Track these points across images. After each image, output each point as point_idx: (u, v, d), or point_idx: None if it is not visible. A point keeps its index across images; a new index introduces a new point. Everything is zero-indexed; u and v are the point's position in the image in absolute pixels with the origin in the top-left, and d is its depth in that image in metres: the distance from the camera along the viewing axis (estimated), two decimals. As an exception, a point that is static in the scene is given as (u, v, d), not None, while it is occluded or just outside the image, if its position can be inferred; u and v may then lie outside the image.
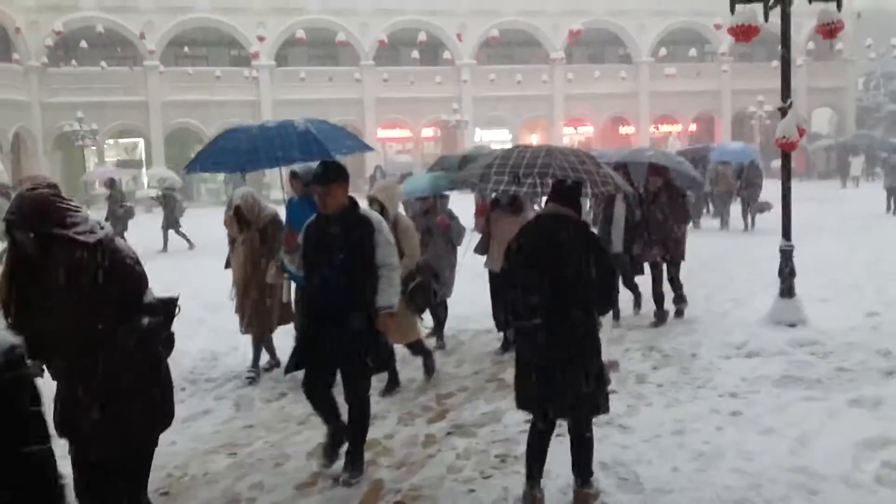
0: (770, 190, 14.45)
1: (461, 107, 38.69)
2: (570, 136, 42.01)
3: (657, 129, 42.31)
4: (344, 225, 4.31)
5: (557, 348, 3.82)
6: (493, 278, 7.08)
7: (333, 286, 4.26)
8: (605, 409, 4.01)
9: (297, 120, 6.34)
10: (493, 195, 6.87)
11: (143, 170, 36.86)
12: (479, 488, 4.25)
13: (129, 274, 2.93)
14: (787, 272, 7.63)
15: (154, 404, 3.03)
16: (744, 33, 6.92)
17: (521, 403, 4.07)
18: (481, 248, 7.33)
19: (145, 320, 2.94)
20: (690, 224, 10.11)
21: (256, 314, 6.56)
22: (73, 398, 2.84)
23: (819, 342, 6.95)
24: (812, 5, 7.34)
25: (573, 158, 4.54)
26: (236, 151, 6.36)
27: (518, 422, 5.22)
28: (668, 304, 8.32)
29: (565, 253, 3.87)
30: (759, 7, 7.25)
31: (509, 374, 6.34)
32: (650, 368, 6.47)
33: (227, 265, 6.95)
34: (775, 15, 7.44)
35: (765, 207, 16.70)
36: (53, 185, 2.92)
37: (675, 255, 8.29)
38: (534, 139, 40.69)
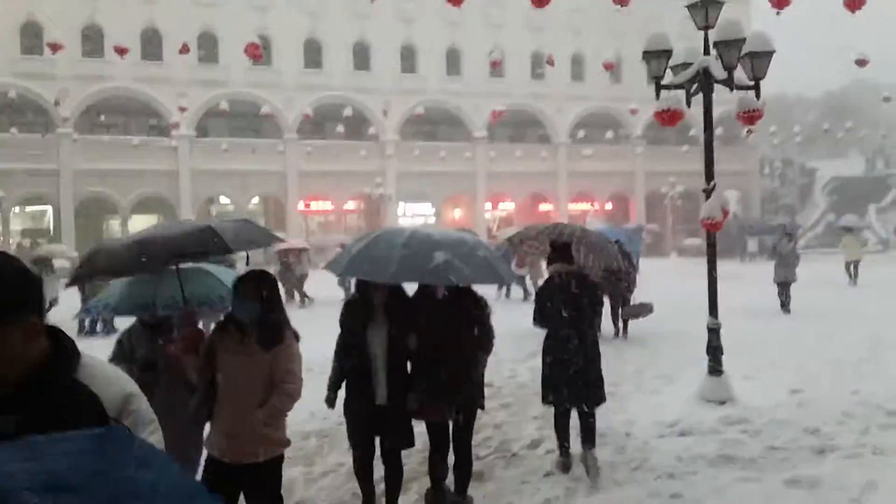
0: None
1: (385, 181, 38.93)
2: (491, 212, 42.76)
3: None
4: None
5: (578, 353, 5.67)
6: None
7: None
8: (604, 400, 5.92)
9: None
10: None
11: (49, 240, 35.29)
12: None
13: None
14: (715, 350, 7.74)
15: None
16: (669, 118, 7.17)
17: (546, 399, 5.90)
18: None
19: None
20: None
21: None
22: None
23: (749, 420, 7.01)
24: (718, 94, 7.65)
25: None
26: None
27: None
28: None
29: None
30: (682, 94, 7.55)
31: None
32: (586, 449, 6.33)
33: None
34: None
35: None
36: None
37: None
38: (457, 213, 41.23)
